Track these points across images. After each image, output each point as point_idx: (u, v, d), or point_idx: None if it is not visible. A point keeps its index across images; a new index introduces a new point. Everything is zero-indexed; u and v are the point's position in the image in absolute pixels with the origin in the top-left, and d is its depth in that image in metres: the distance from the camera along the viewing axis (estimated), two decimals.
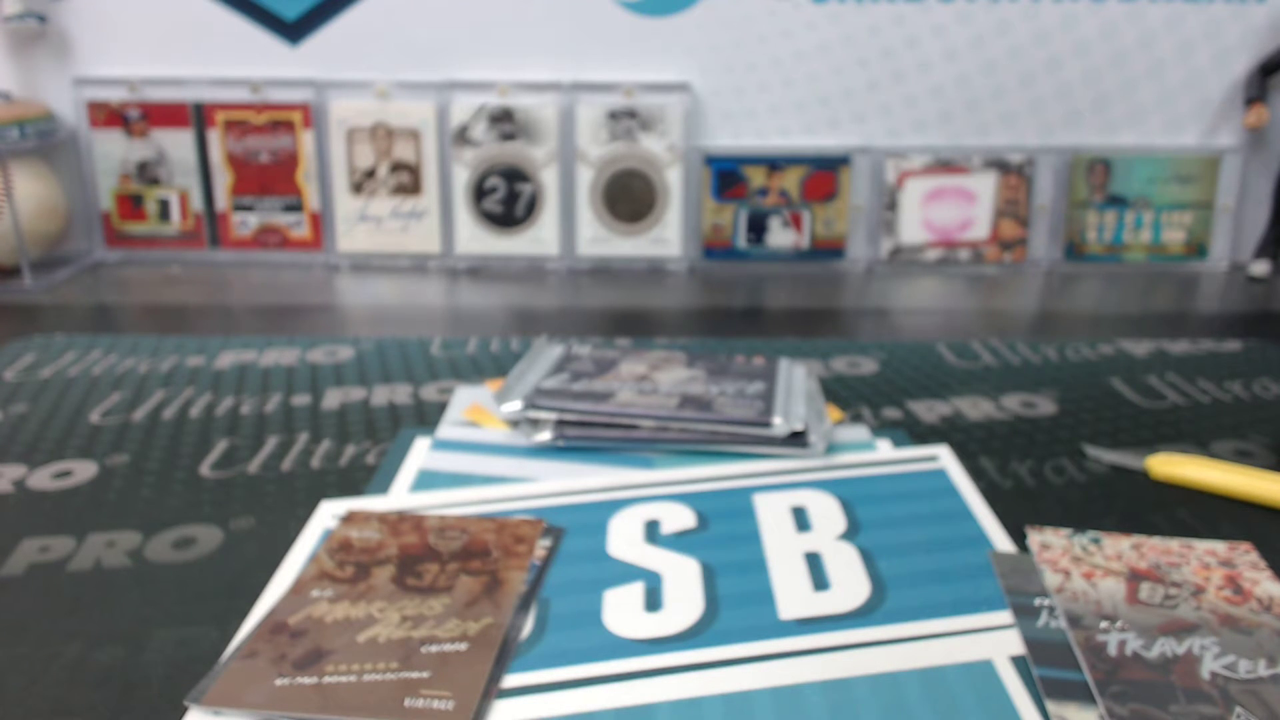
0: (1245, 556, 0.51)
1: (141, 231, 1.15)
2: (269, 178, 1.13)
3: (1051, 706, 0.40)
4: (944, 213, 1.13)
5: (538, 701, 0.40)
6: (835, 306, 1.00)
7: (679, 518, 0.55)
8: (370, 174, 1.13)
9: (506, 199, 1.12)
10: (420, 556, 0.50)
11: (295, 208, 1.14)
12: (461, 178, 1.12)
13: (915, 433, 0.67)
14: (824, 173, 1.12)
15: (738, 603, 0.47)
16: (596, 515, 0.55)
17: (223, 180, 1.13)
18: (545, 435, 0.64)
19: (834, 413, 0.69)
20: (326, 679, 0.41)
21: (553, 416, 0.64)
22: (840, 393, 0.74)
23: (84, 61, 1.12)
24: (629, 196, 1.12)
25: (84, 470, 0.61)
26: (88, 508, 0.56)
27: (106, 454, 0.63)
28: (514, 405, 0.65)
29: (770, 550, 0.52)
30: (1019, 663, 0.43)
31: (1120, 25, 1.09)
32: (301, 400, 0.73)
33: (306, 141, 1.12)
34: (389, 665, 0.42)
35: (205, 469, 0.62)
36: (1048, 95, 1.12)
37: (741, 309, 0.98)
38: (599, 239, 1.13)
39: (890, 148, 1.13)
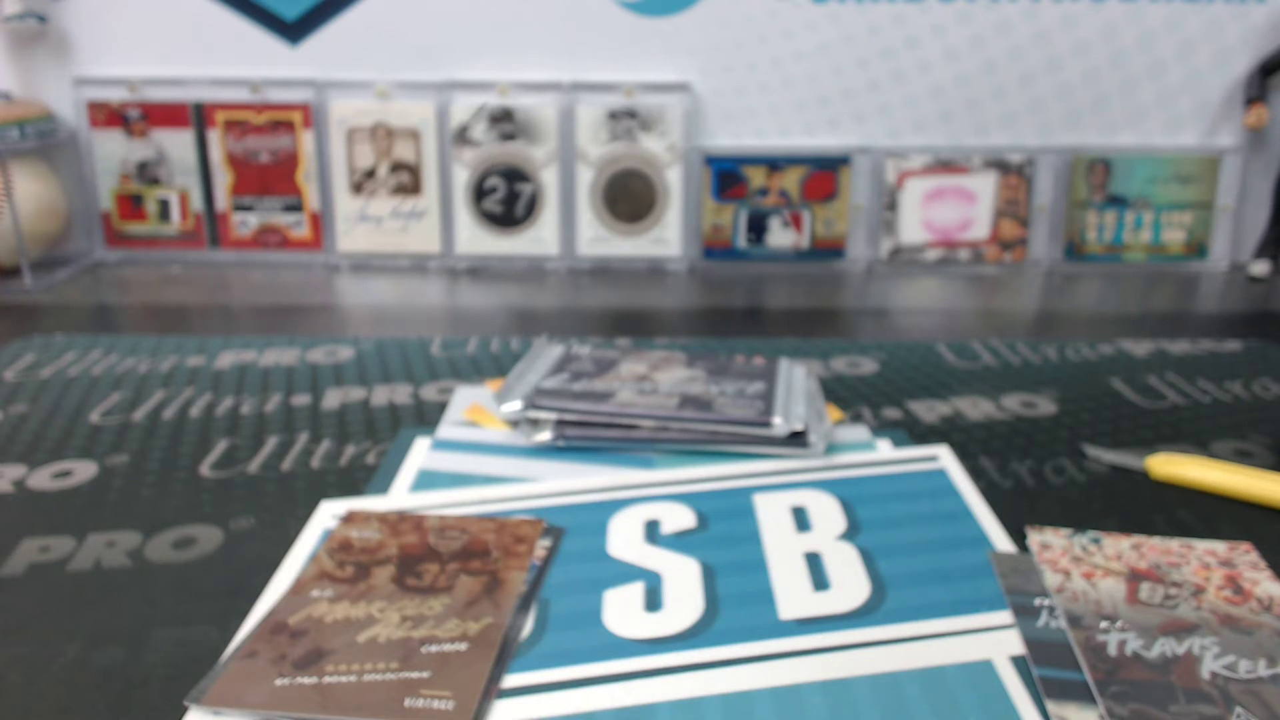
0: (1245, 556, 0.51)
1: (141, 231, 1.15)
2: (269, 178, 1.13)
3: (1051, 706, 0.40)
4: (944, 213, 1.13)
5: (538, 701, 0.40)
6: (835, 306, 1.00)
7: (679, 518, 0.55)
8: (370, 174, 1.13)
9: (506, 199, 1.12)
10: (420, 556, 0.50)
11: (295, 208, 1.14)
12: (461, 178, 1.12)
13: (915, 433, 0.67)
14: (824, 173, 1.12)
15: (738, 603, 0.47)
16: (596, 515, 0.55)
17: (223, 180, 1.13)
18: (545, 435, 0.64)
19: (834, 413, 0.69)
20: (326, 679, 0.41)
21: (553, 416, 0.64)
22: (840, 393, 0.74)
23: (84, 61, 1.12)
24: (629, 196, 1.12)
25: (84, 470, 0.61)
26: (88, 508, 0.56)
27: (106, 454, 0.63)
28: (514, 405, 0.65)
29: (770, 550, 0.52)
30: (1019, 663, 0.43)
31: (1120, 25, 1.09)
32: (301, 400, 0.73)
33: (306, 141, 1.12)
34: (389, 665, 0.42)
35: (205, 469, 0.62)
36: (1048, 95, 1.12)
37: (741, 309, 0.98)
38: (599, 239, 1.13)
39: (890, 148, 1.13)
